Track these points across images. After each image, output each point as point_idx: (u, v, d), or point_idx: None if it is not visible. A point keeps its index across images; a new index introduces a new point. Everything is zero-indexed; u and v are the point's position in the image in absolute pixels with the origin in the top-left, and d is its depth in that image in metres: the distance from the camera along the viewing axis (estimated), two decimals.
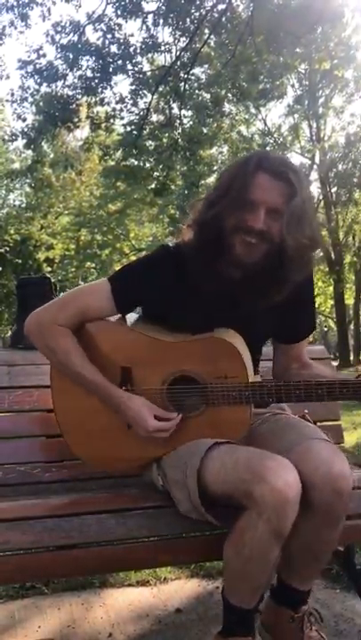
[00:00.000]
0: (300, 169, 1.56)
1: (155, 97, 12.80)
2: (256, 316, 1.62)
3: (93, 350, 1.61)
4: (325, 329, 34.69)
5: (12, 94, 12.16)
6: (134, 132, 12.97)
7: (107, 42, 11.20)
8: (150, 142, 14.29)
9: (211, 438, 1.52)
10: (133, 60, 11.72)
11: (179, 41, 11.64)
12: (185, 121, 14.21)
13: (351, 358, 24.00)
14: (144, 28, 11.44)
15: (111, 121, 13.04)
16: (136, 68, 11.97)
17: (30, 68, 11.52)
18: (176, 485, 1.52)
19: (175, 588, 2.22)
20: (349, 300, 26.45)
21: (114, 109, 12.65)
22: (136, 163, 14.69)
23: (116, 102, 12.46)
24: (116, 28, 11.18)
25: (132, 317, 1.72)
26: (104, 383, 1.58)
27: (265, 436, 1.60)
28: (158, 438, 1.57)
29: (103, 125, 13.00)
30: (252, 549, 1.39)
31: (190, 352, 1.57)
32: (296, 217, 1.47)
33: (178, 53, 11.66)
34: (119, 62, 11.45)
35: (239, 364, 1.54)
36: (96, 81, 11.45)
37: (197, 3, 10.57)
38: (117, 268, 1.75)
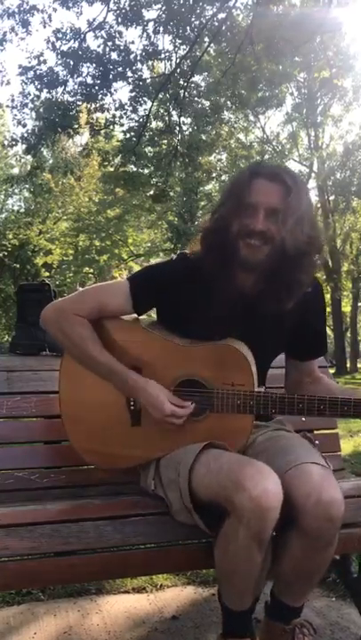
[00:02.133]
0: (296, 174, 1.63)
1: (154, 104, 12.85)
2: (265, 329, 1.65)
3: (108, 347, 1.64)
4: None
5: (13, 100, 12.16)
6: (134, 139, 13.03)
7: (107, 49, 11.23)
8: (149, 149, 14.37)
9: None
10: (133, 68, 11.74)
11: (179, 49, 11.69)
12: (184, 128, 14.33)
13: (348, 366, 24.03)
14: (144, 35, 11.49)
15: (111, 127, 13.08)
16: (136, 75, 12.01)
17: (31, 74, 11.52)
18: (170, 485, 1.54)
19: (171, 595, 2.22)
20: (346, 307, 26.50)
21: (114, 116, 12.68)
22: (135, 169, 14.75)
23: (116, 109, 12.50)
24: (117, 36, 11.21)
25: (146, 320, 1.74)
26: (120, 367, 1.60)
27: (261, 455, 1.58)
28: (162, 435, 1.59)
29: (103, 131, 13.03)
30: (235, 555, 1.42)
31: (200, 357, 1.60)
32: (293, 214, 1.51)
33: (178, 61, 11.71)
34: (119, 69, 11.47)
35: (247, 373, 1.58)
36: (96, 87, 11.48)
37: (198, 11, 10.62)
38: (137, 269, 1.80)
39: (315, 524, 1.41)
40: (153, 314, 1.76)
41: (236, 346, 1.59)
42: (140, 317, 1.72)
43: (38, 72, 11.48)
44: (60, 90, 11.58)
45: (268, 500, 1.35)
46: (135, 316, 1.70)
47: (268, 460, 1.49)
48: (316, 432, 2.08)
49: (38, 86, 11.62)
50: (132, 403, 1.64)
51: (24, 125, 12.51)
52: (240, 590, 1.49)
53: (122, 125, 13.32)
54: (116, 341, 1.65)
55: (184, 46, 11.42)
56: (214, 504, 1.43)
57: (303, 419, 2.02)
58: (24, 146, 12.71)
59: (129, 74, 11.74)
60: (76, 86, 11.54)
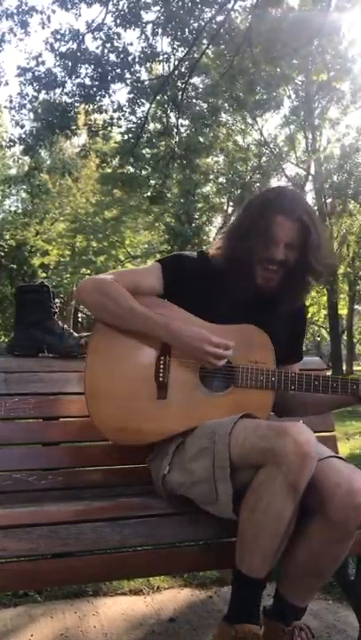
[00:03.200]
0: (312, 209, 1.88)
1: (152, 106, 12.86)
2: (274, 330, 1.78)
3: None
4: (318, 339, 34.73)
5: (11, 101, 12.16)
6: (132, 140, 13.03)
7: (106, 50, 11.24)
8: (147, 150, 14.35)
9: None
10: (132, 69, 11.75)
11: (177, 51, 11.70)
12: (182, 130, 14.31)
13: (344, 368, 24.05)
14: (143, 37, 11.51)
15: (109, 129, 13.08)
16: (134, 77, 12.02)
17: (29, 75, 11.53)
18: (200, 454, 1.56)
19: (168, 598, 2.22)
20: (343, 310, 26.54)
21: (112, 117, 12.68)
22: (133, 170, 14.74)
23: (114, 110, 12.50)
24: (115, 37, 11.22)
25: None
26: (158, 315, 1.70)
27: None
28: (188, 408, 1.67)
29: (101, 133, 13.04)
30: (269, 503, 1.43)
31: (227, 335, 1.70)
32: (315, 249, 1.76)
33: (176, 63, 11.72)
34: (118, 71, 11.47)
35: (269, 351, 1.74)
36: (94, 89, 11.49)
37: (196, 13, 10.63)
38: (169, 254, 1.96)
39: (342, 512, 1.44)
40: None
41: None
42: None
43: (37, 73, 11.48)
44: (58, 91, 11.59)
45: (310, 448, 1.42)
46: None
47: None
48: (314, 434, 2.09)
49: (36, 87, 11.61)
50: (160, 375, 1.69)
51: (22, 126, 12.52)
52: (264, 551, 1.48)
53: (120, 127, 13.33)
54: None
55: (182, 48, 11.43)
56: (246, 460, 1.47)
57: (300, 421, 2.02)
58: (22, 147, 12.71)
59: (127, 75, 11.75)
60: (74, 87, 11.55)
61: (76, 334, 2.09)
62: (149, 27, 11.24)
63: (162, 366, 1.70)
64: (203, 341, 1.64)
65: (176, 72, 11.73)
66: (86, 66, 11.32)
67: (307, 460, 1.41)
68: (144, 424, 1.68)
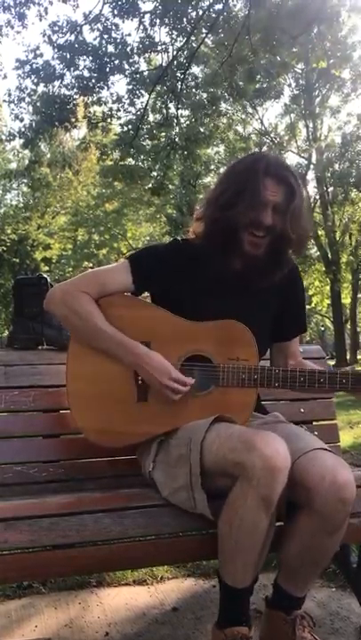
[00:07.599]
0: (296, 171, 1.79)
1: (152, 96, 12.80)
2: (256, 310, 1.74)
3: (115, 322, 1.68)
4: (322, 328, 34.65)
5: (10, 94, 12.17)
6: (131, 132, 12.97)
7: (103, 42, 11.20)
8: (147, 142, 14.30)
9: None
10: (130, 60, 11.71)
11: (175, 40, 11.65)
12: (182, 120, 14.24)
13: (348, 357, 24.05)
14: (141, 27, 11.44)
15: (108, 120, 13.04)
16: (133, 68, 11.97)
17: (27, 68, 11.52)
18: (179, 461, 1.56)
19: (172, 587, 2.23)
20: (346, 299, 26.48)
21: (111, 109, 12.65)
22: (133, 162, 14.70)
23: (113, 102, 12.47)
24: (113, 28, 11.18)
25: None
26: (126, 338, 1.66)
27: None
28: (167, 411, 1.64)
29: (100, 125, 12.99)
30: (243, 518, 1.43)
31: (207, 332, 1.68)
32: (297, 214, 1.69)
33: (175, 53, 11.66)
34: (116, 62, 11.44)
35: (252, 348, 1.67)
36: (93, 81, 11.44)
37: (194, 2, 10.56)
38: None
39: (328, 505, 1.44)
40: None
41: (241, 322, 1.67)
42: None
43: (35, 66, 11.46)
44: (56, 83, 11.56)
45: (278, 460, 1.40)
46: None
47: None
48: (315, 423, 2.09)
49: (35, 80, 11.59)
50: (139, 378, 1.66)
51: (21, 120, 12.53)
52: (244, 563, 1.50)
53: (119, 118, 13.29)
54: (124, 317, 1.70)
55: (181, 38, 11.37)
56: (221, 470, 1.46)
57: (302, 409, 2.03)
58: (22, 140, 12.70)
59: (126, 66, 11.71)
60: (72, 80, 11.52)
61: None
62: (147, 17, 11.17)
63: None
64: (163, 374, 1.60)
65: (175, 62, 11.66)
66: (84, 57, 11.28)
67: (276, 472, 1.40)
68: (125, 426, 1.67)
